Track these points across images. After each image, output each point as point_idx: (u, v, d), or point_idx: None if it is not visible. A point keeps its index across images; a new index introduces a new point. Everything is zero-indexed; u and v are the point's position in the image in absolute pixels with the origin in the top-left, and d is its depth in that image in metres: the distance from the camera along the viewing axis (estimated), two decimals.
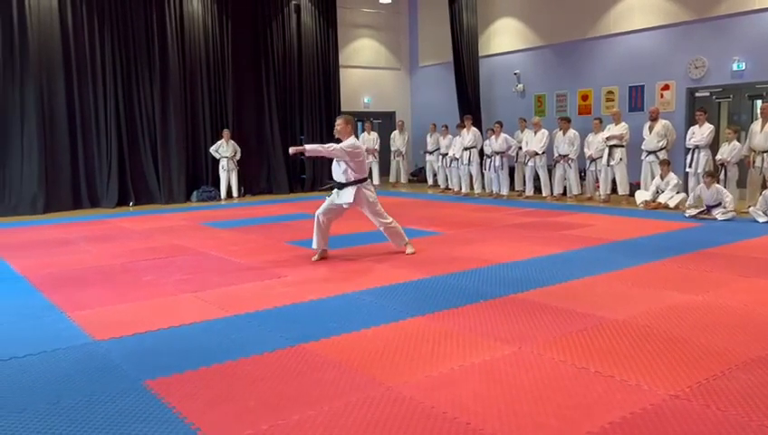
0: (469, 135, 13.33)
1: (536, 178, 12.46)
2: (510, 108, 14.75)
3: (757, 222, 8.40)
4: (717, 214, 8.83)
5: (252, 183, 14.71)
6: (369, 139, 15.23)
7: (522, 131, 13.06)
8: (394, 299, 4.88)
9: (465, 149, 13.31)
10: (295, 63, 15.32)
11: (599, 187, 11.59)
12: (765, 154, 9.33)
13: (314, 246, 6.57)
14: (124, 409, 2.96)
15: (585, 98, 13.47)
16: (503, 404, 2.93)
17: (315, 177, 15.57)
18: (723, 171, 9.61)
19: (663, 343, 3.72)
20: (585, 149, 11.75)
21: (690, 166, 10.12)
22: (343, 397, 3.05)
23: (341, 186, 6.45)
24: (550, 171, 12.26)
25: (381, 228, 6.73)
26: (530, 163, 12.38)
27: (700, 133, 9.99)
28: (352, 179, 6.42)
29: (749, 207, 9.01)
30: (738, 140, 9.69)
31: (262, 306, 4.75)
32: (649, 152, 10.79)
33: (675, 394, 3.00)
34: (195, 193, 13.66)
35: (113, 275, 6.00)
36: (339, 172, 6.48)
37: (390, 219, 6.72)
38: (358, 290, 5.19)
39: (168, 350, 3.82)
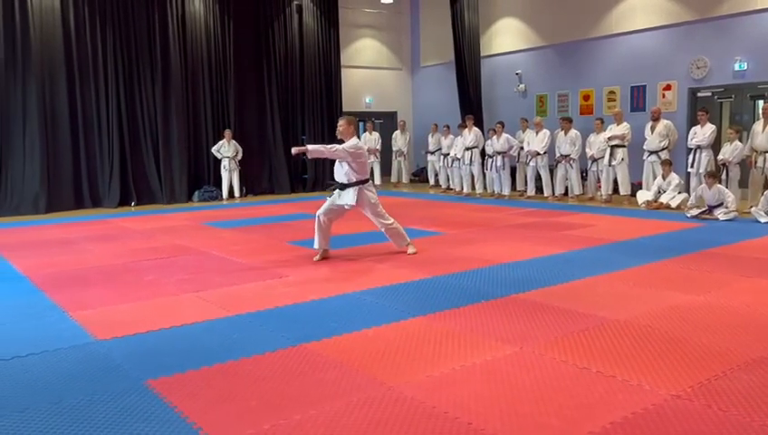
0: (471, 135, 13.33)
1: (538, 179, 12.45)
2: (511, 108, 14.74)
3: (759, 222, 8.39)
4: (719, 214, 8.82)
5: (253, 183, 14.72)
6: (371, 139, 15.24)
7: (523, 131, 13.06)
8: (395, 299, 4.88)
9: (467, 149, 13.30)
10: (297, 63, 15.33)
11: (600, 187, 11.58)
12: (767, 154, 9.32)
13: (316, 246, 6.57)
14: (126, 408, 2.96)
15: (587, 98, 13.47)
16: (504, 404, 2.93)
17: (317, 177, 15.58)
18: (724, 171, 9.60)
19: (664, 343, 3.72)
20: (587, 150, 11.74)
21: (692, 166, 10.11)
22: (344, 397, 3.05)
23: (343, 187, 6.45)
24: (551, 171, 12.25)
25: (382, 229, 6.73)
26: (531, 163, 12.37)
27: (702, 133, 9.98)
28: (354, 180, 6.42)
29: (751, 207, 9.00)
30: (740, 141, 9.68)
31: (263, 306, 4.75)
32: (651, 152, 10.78)
33: (676, 394, 2.99)
34: (196, 193, 13.67)
35: (115, 275, 6.01)
36: (341, 173, 6.47)
37: (392, 220, 6.72)
38: (359, 290, 5.20)
39: (169, 349, 3.82)
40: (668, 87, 11.98)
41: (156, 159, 13.42)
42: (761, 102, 10.65)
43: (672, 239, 7.37)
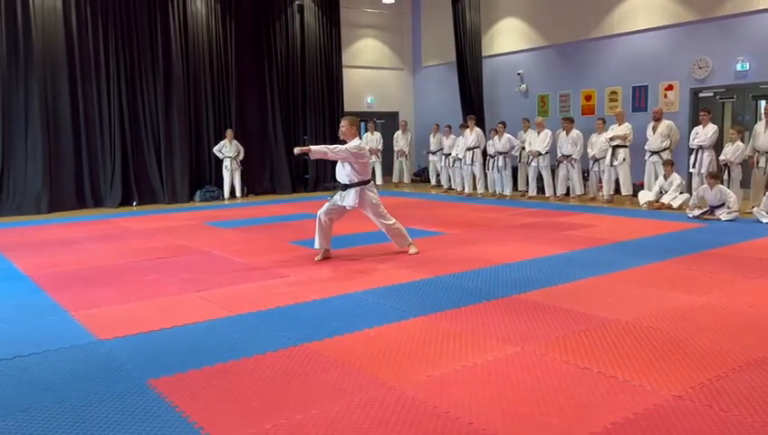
0: (472, 135, 13.32)
1: (539, 179, 12.45)
2: (513, 108, 14.74)
3: (761, 223, 8.38)
4: (721, 214, 8.81)
5: (255, 183, 14.74)
6: (372, 139, 15.24)
7: (525, 132, 13.06)
8: (397, 299, 4.88)
9: (469, 149, 13.30)
10: (298, 63, 15.33)
11: (602, 187, 11.57)
12: None
13: (317, 245, 6.58)
14: (127, 408, 2.97)
15: (588, 98, 13.46)
16: (505, 404, 2.93)
17: (318, 177, 15.59)
18: (726, 172, 9.59)
19: (666, 343, 3.72)
20: (588, 150, 11.74)
21: (694, 166, 10.10)
22: (346, 397, 3.05)
23: (345, 187, 6.45)
24: (553, 171, 12.24)
25: (384, 230, 6.73)
26: (533, 163, 12.36)
27: (704, 133, 9.97)
28: (356, 181, 6.42)
29: (753, 207, 8.98)
30: (742, 141, 9.67)
31: (265, 306, 4.75)
32: (653, 153, 10.77)
33: (678, 395, 2.99)
34: (198, 193, 13.68)
35: (117, 275, 6.01)
36: (342, 174, 6.47)
37: (393, 220, 6.72)
38: (360, 290, 5.20)
39: (171, 349, 3.82)
40: (670, 87, 11.98)
41: (157, 158, 13.44)
42: (763, 103, 10.64)
43: (674, 240, 7.36)
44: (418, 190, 14.84)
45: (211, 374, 3.39)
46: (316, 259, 6.52)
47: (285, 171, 15.07)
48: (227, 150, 13.73)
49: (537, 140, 12.26)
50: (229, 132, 13.81)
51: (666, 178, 10.24)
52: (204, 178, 14.02)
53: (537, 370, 3.34)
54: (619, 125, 11.17)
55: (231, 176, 13.81)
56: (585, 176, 12.12)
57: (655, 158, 10.73)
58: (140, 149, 13.34)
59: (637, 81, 12.47)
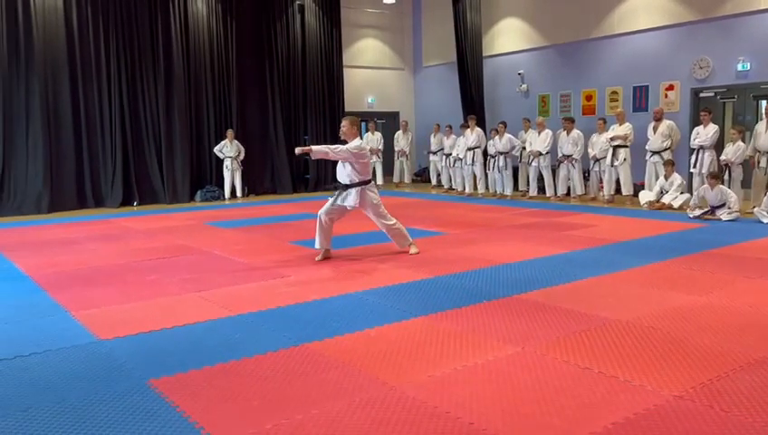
0: (473, 135, 13.32)
1: (540, 179, 12.44)
2: (514, 108, 14.74)
3: (762, 223, 8.37)
4: (722, 214, 8.80)
5: (256, 183, 14.74)
6: (373, 139, 15.25)
7: (525, 132, 13.05)
8: (397, 299, 4.88)
9: (469, 149, 13.30)
10: (299, 63, 15.34)
11: (602, 187, 11.57)
12: None
13: (317, 245, 6.58)
14: (128, 408, 2.97)
15: (589, 98, 13.46)
16: (506, 404, 2.93)
17: (319, 177, 15.59)
18: (727, 172, 9.59)
19: (667, 343, 3.71)
20: (589, 150, 11.73)
21: (694, 166, 10.09)
22: (346, 397, 3.05)
23: (345, 187, 6.45)
24: (554, 172, 12.24)
25: (385, 230, 6.73)
26: (533, 163, 12.36)
27: (704, 134, 9.97)
28: (356, 181, 6.42)
29: (753, 207, 8.98)
30: (743, 141, 9.66)
31: (265, 306, 4.75)
32: (653, 153, 10.77)
33: (678, 395, 2.99)
34: (199, 193, 13.69)
35: (117, 275, 6.01)
36: (343, 174, 6.47)
37: (394, 220, 6.72)
38: (361, 290, 5.20)
39: (171, 349, 3.83)
40: (671, 87, 11.97)
41: (158, 158, 13.44)
42: (764, 103, 10.63)
43: (674, 240, 7.36)
44: (419, 190, 14.84)
45: (212, 374, 3.39)
46: (317, 259, 6.52)
47: (286, 171, 15.07)
48: (228, 150, 13.73)
49: (538, 140, 12.26)
50: (230, 132, 13.81)
51: (666, 178, 10.24)
52: (205, 179, 14.03)
53: (538, 370, 3.34)
54: (620, 125, 11.17)
55: (232, 176, 13.81)
56: (586, 176, 12.11)
57: (656, 158, 10.72)
58: (141, 148, 13.35)
59: (637, 81, 12.47)
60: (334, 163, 6.76)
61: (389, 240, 6.86)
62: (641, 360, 3.45)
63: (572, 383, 3.15)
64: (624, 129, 11.10)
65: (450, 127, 14.32)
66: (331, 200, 6.58)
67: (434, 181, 15.45)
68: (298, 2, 15.25)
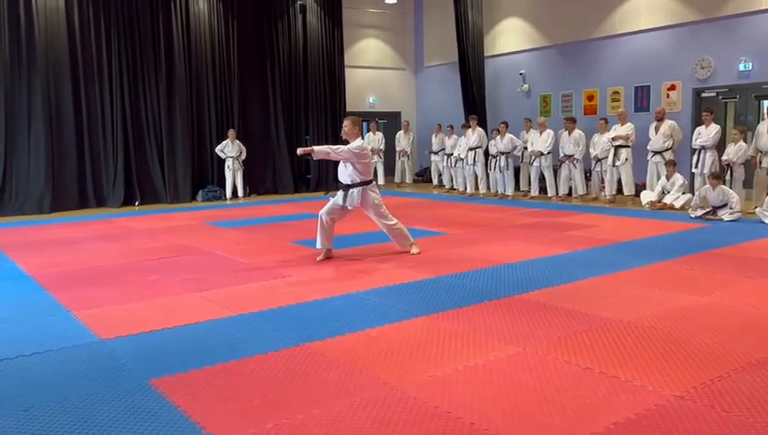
0: (474, 135, 13.32)
1: (541, 179, 12.44)
2: (515, 108, 14.74)
3: (763, 223, 8.36)
4: (723, 215, 8.79)
5: (257, 183, 14.75)
6: (374, 139, 15.26)
7: (527, 132, 13.05)
8: (398, 299, 4.88)
9: (471, 149, 13.29)
10: (301, 63, 15.35)
11: (604, 187, 11.56)
12: None
13: (318, 245, 6.58)
14: (129, 407, 2.97)
15: (591, 98, 13.45)
16: (507, 404, 2.93)
17: (320, 177, 15.59)
18: (729, 172, 9.58)
19: (668, 343, 3.71)
20: (590, 150, 11.73)
21: (696, 166, 10.08)
22: (347, 397, 3.05)
23: (347, 187, 6.45)
24: (555, 172, 12.23)
25: (386, 230, 6.73)
26: (535, 163, 12.35)
27: (706, 134, 9.96)
28: (358, 181, 6.42)
29: (755, 207, 8.98)
30: (744, 141, 9.65)
31: (266, 306, 4.76)
32: (655, 153, 10.76)
33: (680, 395, 2.99)
34: (200, 193, 13.70)
35: (119, 275, 6.02)
36: (345, 174, 6.47)
37: (395, 221, 6.72)
38: (362, 290, 5.20)
39: (173, 349, 3.83)
40: (673, 87, 11.96)
41: (160, 158, 13.46)
42: (766, 103, 10.62)
43: (676, 240, 7.35)
44: (420, 190, 14.84)
45: (213, 374, 3.39)
46: (318, 259, 6.52)
47: (287, 171, 15.08)
48: (230, 150, 13.74)
49: (539, 140, 12.25)
50: (231, 132, 13.82)
51: (668, 178, 10.23)
52: (206, 178, 14.04)
53: (539, 370, 3.34)
54: (622, 125, 11.16)
55: (233, 176, 13.82)
56: (587, 176, 12.11)
57: (657, 158, 10.71)
58: (143, 148, 13.36)
59: (639, 81, 12.46)
60: (335, 163, 6.76)
61: (390, 240, 6.85)
62: (642, 360, 3.45)
63: (574, 383, 3.15)
64: (626, 129, 11.09)
65: (452, 127, 14.32)
66: (332, 200, 6.58)
67: (435, 181, 15.45)
68: (299, 2, 15.25)
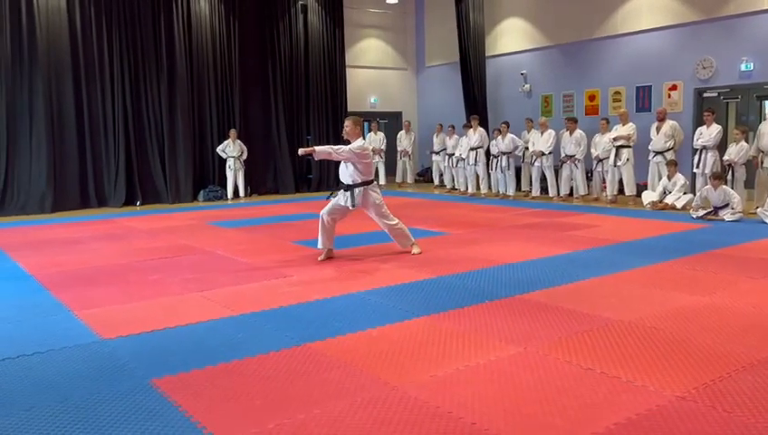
0: (476, 135, 13.32)
1: (543, 179, 12.44)
2: (517, 108, 14.73)
3: (765, 223, 8.36)
4: (725, 215, 8.79)
5: (258, 183, 14.76)
6: (376, 139, 15.25)
7: (528, 132, 13.03)
8: (399, 299, 4.89)
9: (472, 149, 13.29)
10: (302, 63, 15.35)
11: (605, 187, 11.55)
12: None
13: (320, 245, 6.58)
14: (131, 407, 2.97)
15: (592, 98, 13.44)
16: (508, 404, 2.93)
17: (321, 177, 15.60)
18: (730, 172, 9.57)
19: (669, 344, 3.71)
20: (592, 150, 11.72)
21: (698, 166, 10.07)
22: (348, 397, 3.05)
23: (348, 187, 6.45)
24: (556, 172, 12.23)
25: (387, 230, 6.73)
26: (536, 164, 12.35)
27: (708, 134, 9.95)
28: (359, 181, 6.42)
29: (757, 208, 8.97)
30: (746, 141, 9.64)
31: (267, 306, 4.76)
32: (657, 153, 10.75)
33: (681, 395, 2.99)
34: (201, 193, 13.71)
35: (120, 275, 6.02)
36: (346, 174, 6.47)
37: (396, 220, 6.72)
38: (363, 290, 5.20)
39: (174, 349, 3.83)
40: (674, 87, 11.95)
41: (161, 158, 13.47)
42: (767, 103, 10.60)
43: (677, 240, 7.35)
44: (421, 190, 14.84)
45: (214, 374, 3.39)
46: (319, 259, 6.53)
47: (289, 171, 15.08)
48: (231, 150, 13.74)
49: (540, 141, 12.25)
50: (233, 132, 13.83)
51: (669, 178, 10.22)
52: (207, 178, 14.05)
53: (540, 370, 3.34)
54: (623, 125, 11.15)
55: (234, 176, 13.83)
56: (588, 176, 12.10)
57: (658, 158, 10.70)
58: (144, 148, 13.38)
59: (640, 81, 12.45)
60: (337, 163, 6.76)
61: (392, 240, 6.85)
62: (644, 360, 3.45)
63: (575, 384, 3.15)
64: (627, 129, 11.08)
65: (453, 127, 14.32)
66: (333, 200, 6.58)
67: (436, 181, 15.45)
68: (301, 2, 15.25)
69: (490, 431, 2.68)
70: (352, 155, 6.34)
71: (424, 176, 16.93)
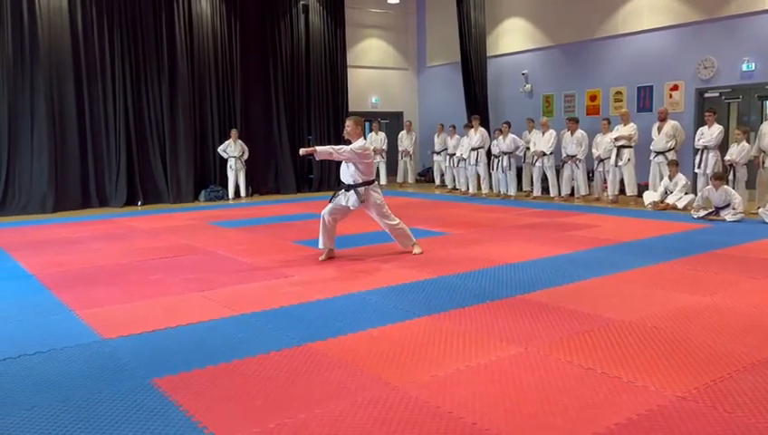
0: (477, 135, 13.31)
1: (544, 179, 12.44)
2: (518, 108, 14.72)
3: (766, 223, 8.35)
4: (726, 215, 8.78)
5: (259, 183, 14.76)
6: (377, 139, 15.25)
7: (529, 132, 13.02)
8: (400, 299, 4.89)
9: (473, 149, 13.29)
10: (303, 63, 15.36)
11: (606, 187, 11.55)
12: None
13: (321, 245, 6.58)
14: (132, 407, 2.98)
15: (593, 98, 13.44)
16: (509, 404, 2.93)
17: (322, 177, 15.60)
18: (732, 172, 9.56)
19: (670, 344, 3.71)
20: (593, 150, 11.72)
21: (699, 167, 10.07)
22: (349, 396, 3.05)
23: (349, 187, 6.45)
24: (557, 172, 12.23)
25: (388, 230, 6.73)
26: (537, 164, 12.35)
27: (709, 134, 9.94)
28: (360, 181, 6.42)
29: (758, 208, 8.96)
30: (747, 141, 9.63)
31: (268, 306, 4.76)
32: (658, 153, 10.75)
33: (682, 396, 2.99)
34: (203, 192, 13.71)
35: (121, 274, 6.03)
36: (347, 174, 6.48)
37: (397, 220, 6.72)
38: (364, 290, 5.20)
39: (175, 348, 3.84)
40: (675, 87, 11.95)
41: (162, 158, 13.47)
42: None
43: (678, 240, 7.35)
44: (423, 190, 14.84)
45: (215, 374, 3.40)
46: (320, 259, 6.53)
47: (290, 171, 15.09)
48: (232, 150, 13.75)
49: (542, 141, 12.25)
50: (234, 132, 13.83)
51: (671, 178, 10.22)
52: (208, 178, 14.06)
53: (541, 370, 3.34)
54: (624, 125, 11.15)
55: (235, 176, 13.83)
56: (590, 176, 12.10)
57: (660, 158, 10.70)
58: (145, 148, 13.39)
59: (642, 81, 12.44)
60: (338, 163, 6.76)
61: (393, 240, 6.86)
62: (645, 360, 3.45)
63: (576, 384, 3.15)
64: (628, 129, 11.07)
65: (454, 127, 14.31)
66: (334, 200, 6.58)
67: (437, 181, 15.45)
68: (302, 2, 15.25)
69: (491, 431, 2.68)
70: (353, 155, 6.34)
71: (425, 176, 16.94)
